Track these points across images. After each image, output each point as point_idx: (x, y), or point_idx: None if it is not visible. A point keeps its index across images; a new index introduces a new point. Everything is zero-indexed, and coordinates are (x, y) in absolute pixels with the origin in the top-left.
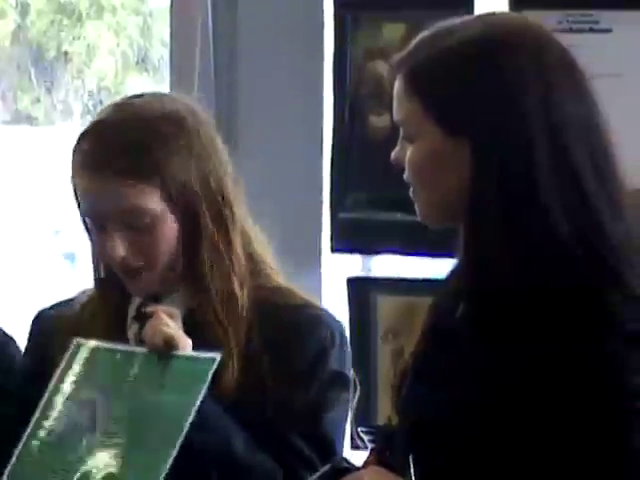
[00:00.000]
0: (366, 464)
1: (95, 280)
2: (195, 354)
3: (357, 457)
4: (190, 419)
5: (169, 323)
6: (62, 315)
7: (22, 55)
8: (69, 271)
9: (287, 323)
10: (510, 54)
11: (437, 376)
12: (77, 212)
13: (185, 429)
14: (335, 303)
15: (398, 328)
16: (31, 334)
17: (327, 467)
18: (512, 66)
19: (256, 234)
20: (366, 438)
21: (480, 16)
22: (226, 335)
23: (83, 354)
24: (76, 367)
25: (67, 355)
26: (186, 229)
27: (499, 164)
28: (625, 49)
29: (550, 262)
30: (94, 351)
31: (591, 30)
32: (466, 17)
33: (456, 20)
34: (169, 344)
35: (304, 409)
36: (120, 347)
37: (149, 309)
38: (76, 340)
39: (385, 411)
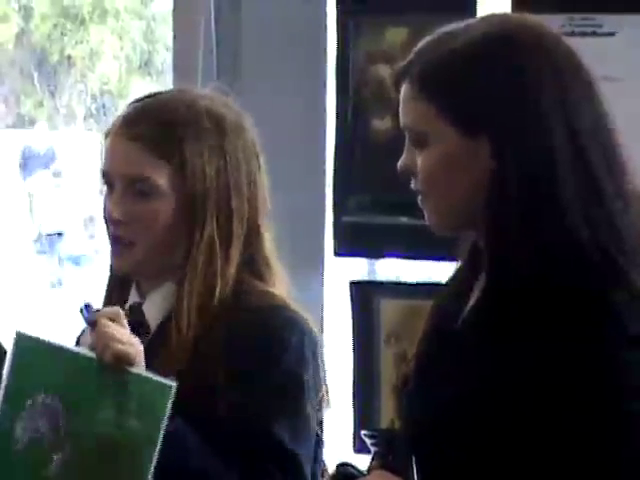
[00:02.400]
0: (370, 469)
1: (107, 285)
2: (151, 377)
3: (361, 461)
4: (157, 451)
5: (117, 335)
6: None
7: (25, 59)
8: (73, 274)
9: (248, 324)
10: (525, 54)
11: (439, 378)
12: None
13: (154, 462)
14: (338, 307)
15: (401, 331)
16: None
17: (333, 472)
18: (529, 65)
19: (269, 238)
20: (369, 442)
21: (483, 18)
22: (188, 336)
23: (27, 347)
24: (23, 362)
25: (11, 348)
26: (187, 220)
27: (520, 163)
28: (628, 52)
29: (565, 262)
30: (38, 345)
31: (594, 34)
32: (468, 20)
33: (459, 24)
34: (121, 361)
35: (254, 414)
36: (68, 347)
37: (90, 318)
38: (17, 331)
39: (388, 414)
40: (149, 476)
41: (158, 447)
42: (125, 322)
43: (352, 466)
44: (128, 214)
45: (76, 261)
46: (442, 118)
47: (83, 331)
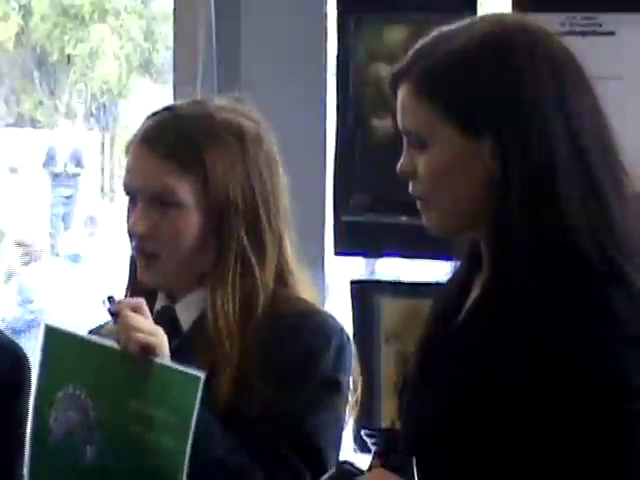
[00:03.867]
0: (371, 467)
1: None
2: (180, 368)
3: (361, 460)
4: (190, 442)
5: (140, 325)
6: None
7: (25, 58)
8: (73, 272)
9: (286, 328)
10: (523, 54)
11: (439, 377)
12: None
13: (188, 453)
14: (338, 306)
15: (401, 331)
16: None
17: (333, 470)
18: (527, 66)
19: (291, 243)
20: (369, 441)
21: (481, 18)
22: (229, 342)
23: (55, 340)
24: (52, 355)
25: (41, 341)
26: (214, 232)
27: (521, 163)
28: (627, 52)
29: (565, 262)
30: (65, 338)
31: (594, 33)
32: (465, 21)
33: (457, 24)
34: (145, 351)
35: (288, 410)
36: (95, 339)
37: (113, 309)
38: (45, 324)
39: (388, 413)
40: (185, 469)
41: (191, 438)
42: (148, 313)
43: (351, 464)
44: (152, 228)
45: (75, 259)
46: (443, 119)
47: (105, 323)
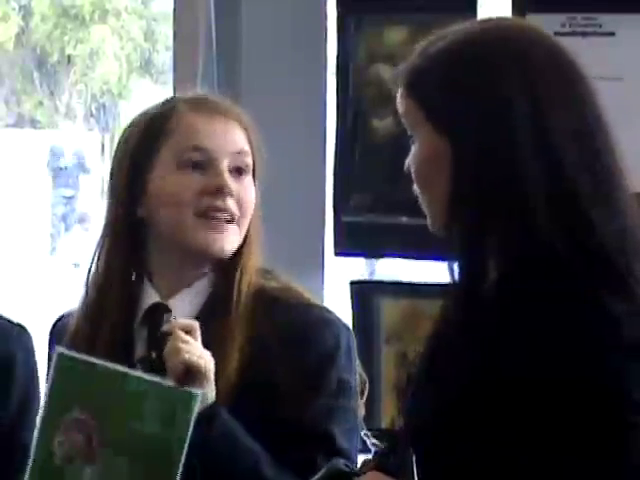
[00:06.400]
0: (366, 468)
1: (96, 287)
2: (176, 387)
3: (360, 460)
4: (184, 456)
5: (190, 347)
6: (69, 323)
7: (25, 59)
8: (73, 275)
9: (299, 322)
10: (493, 54)
11: (438, 379)
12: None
13: (181, 465)
14: (338, 306)
15: (401, 331)
16: (49, 346)
17: (325, 470)
18: (495, 66)
19: None
20: (369, 441)
21: (479, 21)
22: (237, 326)
23: (66, 365)
24: (62, 380)
25: (52, 367)
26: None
27: (479, 165)
28: (627, 52)
29: (535, 261)
30: (76, 363)
31: (594, 33)
32: (465, 23)
33: (454, 27)
34: (191, 372)
35: (315, 408)
36: (98, 362)
37: (166, 328)
38: (58, 350)
39: (388, 414)
40: None
41: (184, 454)
42: (199, 334)
43: (345, 464)
44: (235, 189)
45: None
46: (421, 117)
47: (62, 316)
